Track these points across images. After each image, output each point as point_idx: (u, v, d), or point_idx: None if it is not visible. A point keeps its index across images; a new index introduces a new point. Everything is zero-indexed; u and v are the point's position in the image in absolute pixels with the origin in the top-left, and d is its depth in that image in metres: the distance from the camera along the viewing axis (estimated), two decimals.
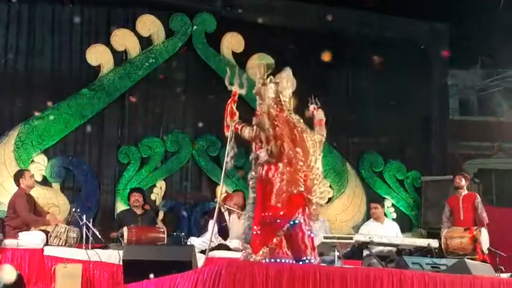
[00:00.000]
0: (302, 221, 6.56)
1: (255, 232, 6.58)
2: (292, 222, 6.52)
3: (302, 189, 6.56)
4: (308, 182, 6.61)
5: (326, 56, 12.00)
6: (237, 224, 10.04)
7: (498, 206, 13.01)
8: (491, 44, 12.90)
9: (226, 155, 7.02)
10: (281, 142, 6.57)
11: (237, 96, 7.02)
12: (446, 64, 13.89)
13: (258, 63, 6.98)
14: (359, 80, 12.93)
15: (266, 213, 6.53)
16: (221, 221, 9.97)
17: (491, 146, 14.52)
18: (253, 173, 6.77)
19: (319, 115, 7.17)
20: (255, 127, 6.68)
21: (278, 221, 6.50)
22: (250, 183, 6.81)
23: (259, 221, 6.58)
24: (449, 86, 14.15)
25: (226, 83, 7.15)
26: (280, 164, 6.54)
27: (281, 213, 6.49)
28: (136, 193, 10.52)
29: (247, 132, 6.81)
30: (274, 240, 6.48)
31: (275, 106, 6.81)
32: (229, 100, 7.03)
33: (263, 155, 6.61)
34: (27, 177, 9.71)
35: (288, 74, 7.06)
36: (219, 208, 10.32)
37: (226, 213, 10.15)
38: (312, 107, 7.23)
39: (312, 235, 6.67)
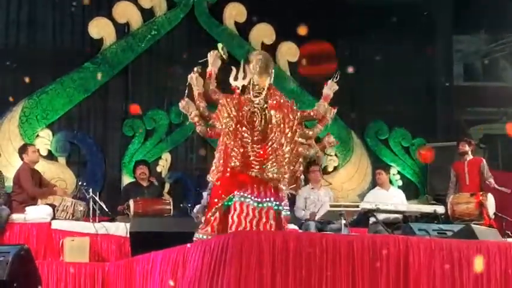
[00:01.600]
0: (241, 199, 6.37)
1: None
2: (225, 203, 6.41)
3: (255, 170, 6.40)
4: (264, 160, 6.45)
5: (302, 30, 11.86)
6: None
7: (504, 170, 12.97)
8: (496, 8, 12.79)
9: None
10: (214, 120, 6.57)
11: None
12: (451, 30, 13.80)
13: (212, 52, 6.87)
14: (363, 48, 12.87)
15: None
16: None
17: (496, 111, 14.47)
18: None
19: (326, 90, 6.85)
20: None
21: (216, 200, 6.45)
22: None
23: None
24: (453, 52, 14.07)
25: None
26: (224, 140, 6.46)
27: (219, 191, 6.44)
28: (142, 166, 10.54)
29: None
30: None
31: (238, 90, 6.68)
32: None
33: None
34: (30, 152, 9.72)
35: (258, 59, 6.69)
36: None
37: None
38: (328, 81, 6.91)
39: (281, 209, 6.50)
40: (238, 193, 6.38)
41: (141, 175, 10.40)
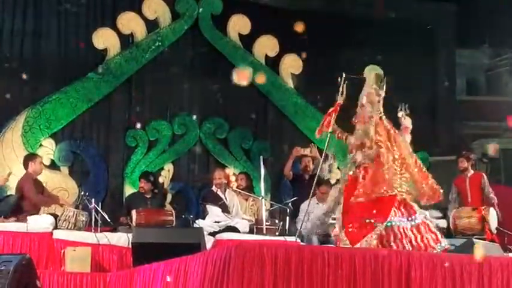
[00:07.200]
0: (396, 223, 6.80)
1: (350, 229, 6.81)
2: (387, 224, 6.78)
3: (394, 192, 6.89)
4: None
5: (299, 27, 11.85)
6: (236, 199, 10.11)
7: (506, 185, 12.96)
8: (499, 23, 12.83)
9: (322, 162, 7.66)
10: (379, 148, 7.07)
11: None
12: (454, 44, 13.82)
13: (376, 73, 7.41)
14: (366, 61, 12.88)
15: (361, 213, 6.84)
16: (217, 201, 10.01)
17: (499, 126, 14.47)
18: (350, 172, 7.18)
19: (406, 123, 7.50)
20: (358, 133, 7.28)
21: (372, 221, 6.76)
22: (343, 184, 7.22)
23: (354, 219, 6.85)
24: (456, 66, 14.09)
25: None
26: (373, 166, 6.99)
27: (374, 211, 6.77)
28: (143, 179, 10.41)
29: (353, 140, 7.34)
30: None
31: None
32: (331, 110, 7.63)
33: (360, 157, 7.13)
34: (37, 162, 9.72)
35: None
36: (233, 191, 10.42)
37: (219, 192, 10.16)
38: (400, 113, 7.58)
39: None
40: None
41: (141, 189, 10.36)
